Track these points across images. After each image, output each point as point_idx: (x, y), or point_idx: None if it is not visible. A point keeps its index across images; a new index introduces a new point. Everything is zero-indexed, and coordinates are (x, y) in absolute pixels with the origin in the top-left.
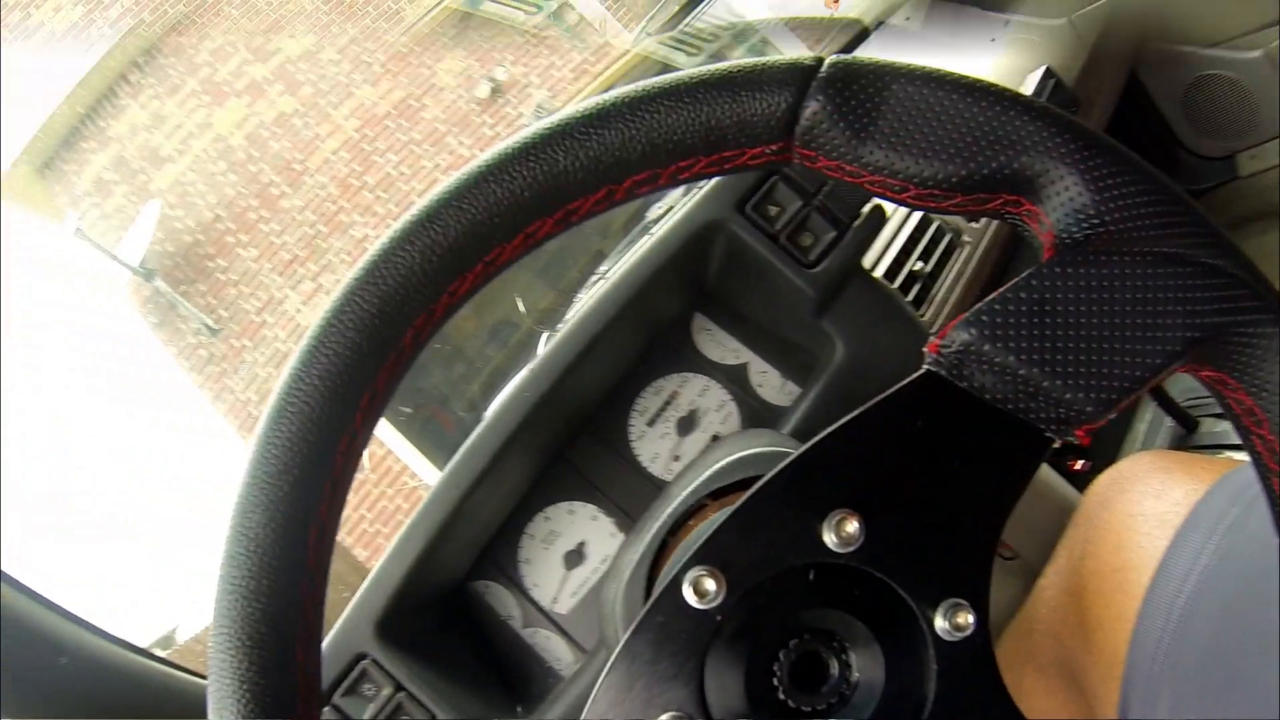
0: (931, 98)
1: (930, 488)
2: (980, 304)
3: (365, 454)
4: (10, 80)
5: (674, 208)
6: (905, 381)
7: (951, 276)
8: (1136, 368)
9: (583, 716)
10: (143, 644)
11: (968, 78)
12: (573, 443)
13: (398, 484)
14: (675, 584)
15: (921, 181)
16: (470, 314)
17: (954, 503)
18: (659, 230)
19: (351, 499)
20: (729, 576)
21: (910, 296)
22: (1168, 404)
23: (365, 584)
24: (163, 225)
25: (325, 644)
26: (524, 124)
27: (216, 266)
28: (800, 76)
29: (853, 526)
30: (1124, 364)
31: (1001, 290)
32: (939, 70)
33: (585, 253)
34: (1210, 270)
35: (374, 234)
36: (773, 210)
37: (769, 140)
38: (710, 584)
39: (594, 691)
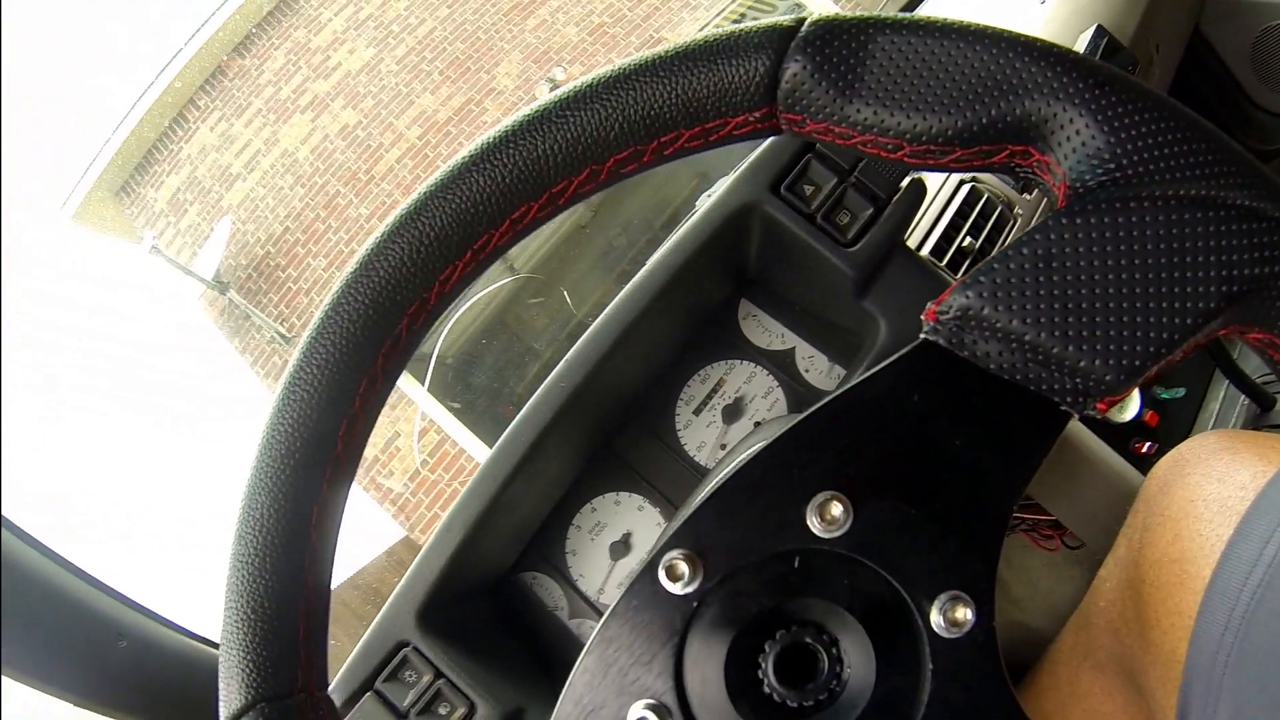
0: (920, 46)
1: (927, 469)
2: (981, 263)
3: (418, 447)
4: (79, 109)
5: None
6: (900, 353)
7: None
8: (1164, 329)
9: (559, 702)
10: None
11: (957, 22)
12: (620, 433)
13: (463, 477)
14: (651, 567)
15: (915, 137)
16: (539, 309)
17: (954, 485)
18: (693, 217)
19: (421, 494)
20: (706, 561)
21: (960, 272)
22: (1239, 379)
23: (407, 574)
24: (235, 239)
25: (369, 632)
26: None
27: (287, 276)
28: (778, 39)
29: (837, 510)
30: (1149, 325)
31: (1005, 245)
32: (926, 17)
33: (640, 244)
34: (1248, 213)
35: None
36: (808, 189)
37: (751, 107)
38: (684, 568)
39: (570, 676)
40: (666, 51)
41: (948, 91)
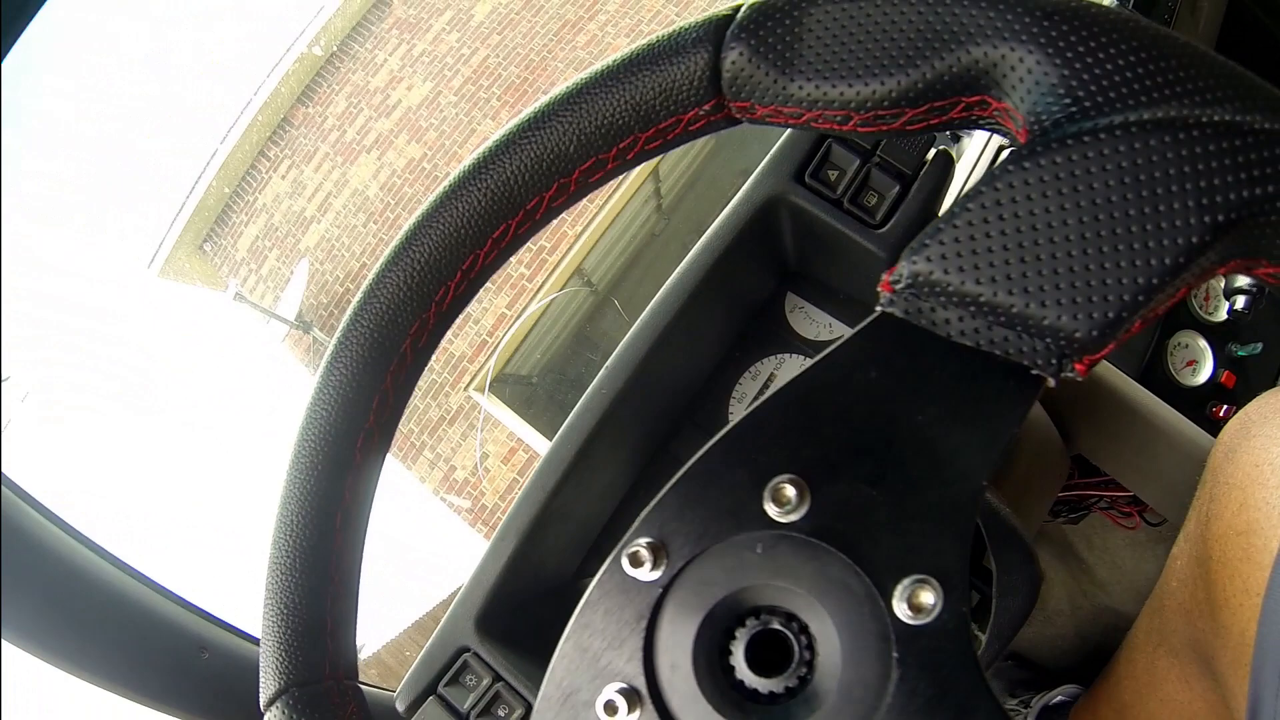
0: (854, 11)
1: (889, 448)
2: (931, 222)
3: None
4: (156, 172)
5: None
6: (857, 328)
7: None
8: (1141, 273)
9: (542, 685)
10: None
11: None
12: (675, 435)
13: None
14: (618, 554)
15: (859, 105)
16: (617, 320)
17: (918, 464)
18: (720, 215)
19: (498, 501)
20: (669, 549)
21: None
22: None
23: (466, 583)
24: (314, 280)
25: (431, 639)
26: None
27: None
28: (715, 30)
29: (791, 493)
30: (1123, 270)
31: (956, 199)
32: None
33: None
34: (1228, 129)
35: (513, 260)
36: (832, 174)
37: (699, 101)
38: (646, 555)
39: (551, 659)
40: (614, 61)
41: (886, 53)
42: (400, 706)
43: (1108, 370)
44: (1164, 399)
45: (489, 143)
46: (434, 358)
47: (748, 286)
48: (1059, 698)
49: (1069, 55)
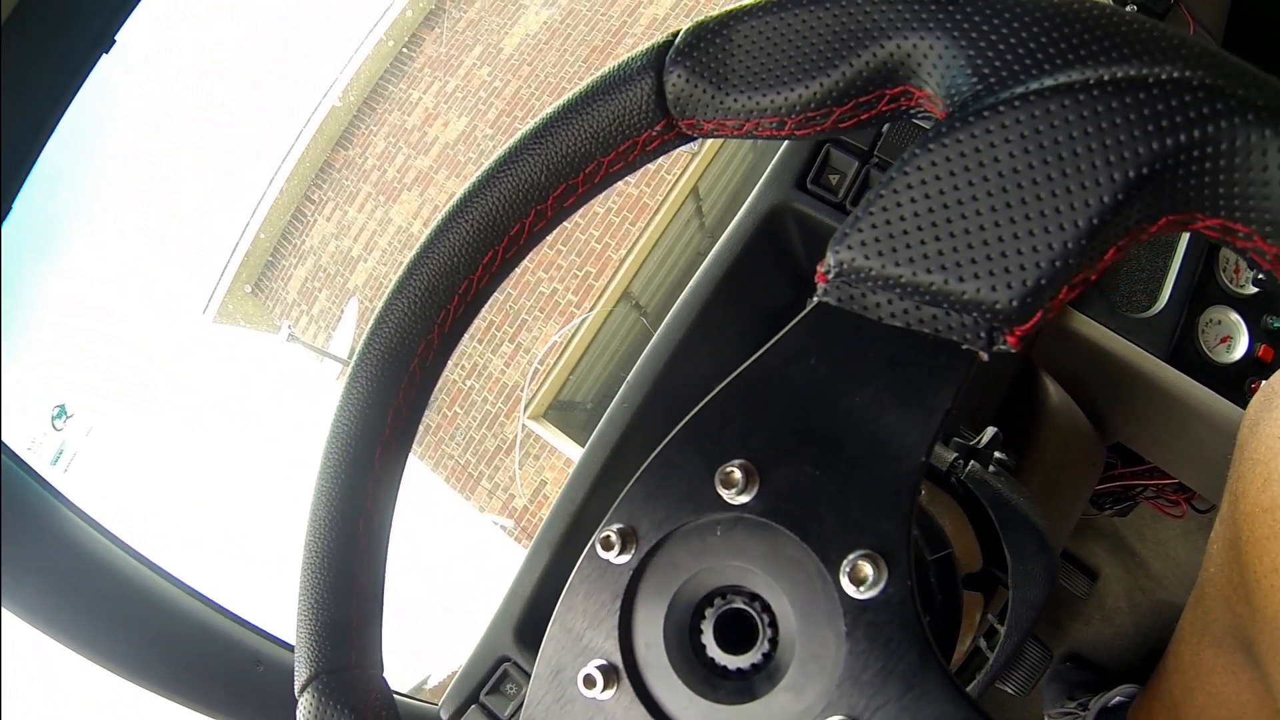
0: (775, 23)
1: (832, 430)
2: (852, 211)
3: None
4: (204, 224)
5: None
6: (796, 319)
7: None
8: (1057, 239)
9: (535, 665)
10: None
11: None
12: None
13: None
14: (593, 541)
15: (789, 110)
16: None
17: (858, 444)
18: (728, 229)
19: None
20: (637, 531)
21: None
22: None
23: (505, 595)
24: (364, 317)
25: (473, 651)
26: (681, 152)
27: None
28: (656, 56)
29: (738, 476)
30: (1040, 237)
31: (874, 188)
32: None
33: None
34: (1131, 84)
35: (560, 287)
36: (833, 178)
37: (650, 123)
38: (616, 540)
39: (543, 641)
40: (571, 96)
41: (807, 58)
42: (444, 716)
43: (1134, 353)
44: (1199, 378)
45: (472, 180)
46: (487, 388)
47: (765, 295)
48: (1117, 698)
49: (972, 35)
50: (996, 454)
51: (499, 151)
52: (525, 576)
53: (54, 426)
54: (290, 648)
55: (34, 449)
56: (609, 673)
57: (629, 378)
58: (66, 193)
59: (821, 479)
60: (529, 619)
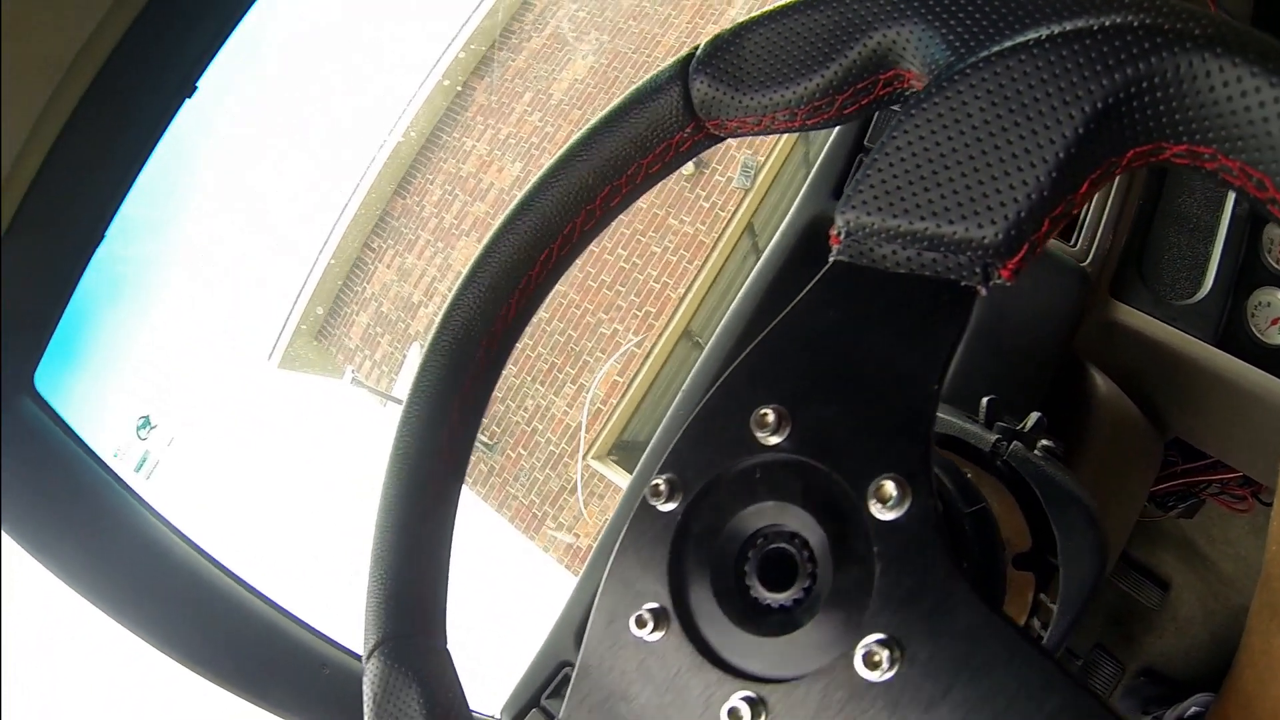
0: (779, 28)
1: (852, 371)
2: (854, 176)
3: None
4: (268, 276)
5: None
6: (815, 280)
7: (1098, 196)
8: (1029, 175)
9: (590, 617)
10: None
11: None
12: None
13: None
14: (644, 493)
15: (799, 101)
16: None
17: (877, 381)
18: (770, 244)
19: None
20: (683, 480)
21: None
22: None
23: (566, 601)
24: None
25: (535, 656)
26: (734, 188)
27: None
28: (680, 67)
29: (770, 419)
30: (1013, 175)
31: (870, 153)
32: (782, 3)
33: None
34: (1082, 33)
35: (620, 328)
36: None
37: (680, 126)
38: (664, 487)
39: (599, 588)
40: (610, 108)
41: (809, 55)
42: (505, 718)
43: (1182, 340)
44: (1251, 361)
45: (528, 187)
46: (550, 429)
47: None
48: (1192, 709)
49: (943, 15)
50: (1043, 441)
51: (550, 161)
52: (586, 583)
53: (138, 436)
54: (356, 656)
55: (121, 456)
56: (659, 615)
57: (678, 397)
58: (141, 244)
59: (845, 414)
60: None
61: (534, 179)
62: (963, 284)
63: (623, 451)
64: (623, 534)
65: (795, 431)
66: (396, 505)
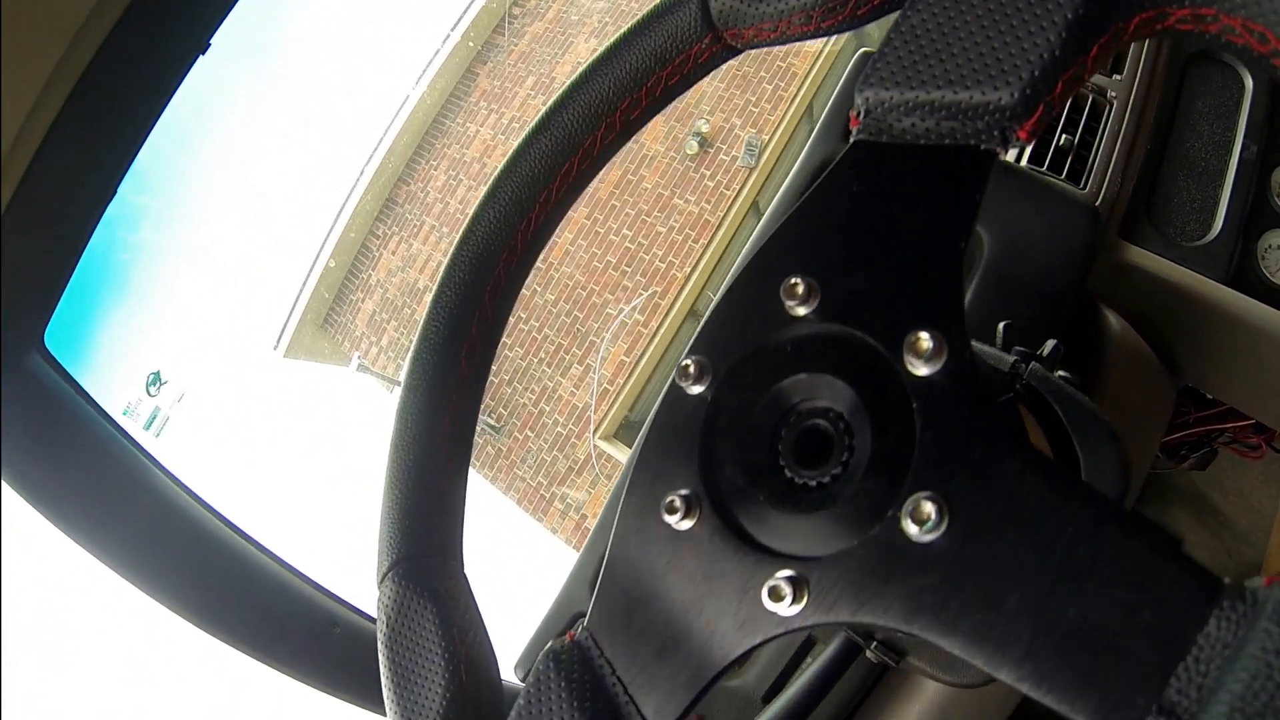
0: None
1: (878, 238)
2: (872, 57)
3: None
4: (271, 263)
5: None
6: (837, 160)
7: (1106, 140)
8: (1039, 38)
9: (618, 509)
10: None
11: None
12: None
13: None
14: (672, 377)
15: (815, 3)
16: None
17: (904, 244)
18: (779, 190)
19: None
20: (712, 361)
21: (1064, 173)
22: None
23: (580, 553)
24: None
25: (550, 607)
26: (739, 167)
27: None
28: None
29: (800, 288)
30: (1024, 39)
31: (886, 34)
32: None
33: None
34: None
35: (626, 308)
36: None
37: (698, 38)
38: (693, 369)
39: (625, 478)
40: (630, 26)
41: None
42: (519, 674)
43: (1193, 279)
44: (1263, 301)
45: (549, 103)
46: (558, 410)
47: None
48: None
49: None
50: (1059, 372)
51: (571, 77)
52: (600, 533)
53: (148, 392)
54: (367, 616)
55: (131, 414)
56: (690, 501)
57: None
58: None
59: (874, 278)
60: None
61: (555, 95)
62: (982, 148)
63: (629, 431)
64: (651, 420)
65: (825, 301)
66: (412, 422)
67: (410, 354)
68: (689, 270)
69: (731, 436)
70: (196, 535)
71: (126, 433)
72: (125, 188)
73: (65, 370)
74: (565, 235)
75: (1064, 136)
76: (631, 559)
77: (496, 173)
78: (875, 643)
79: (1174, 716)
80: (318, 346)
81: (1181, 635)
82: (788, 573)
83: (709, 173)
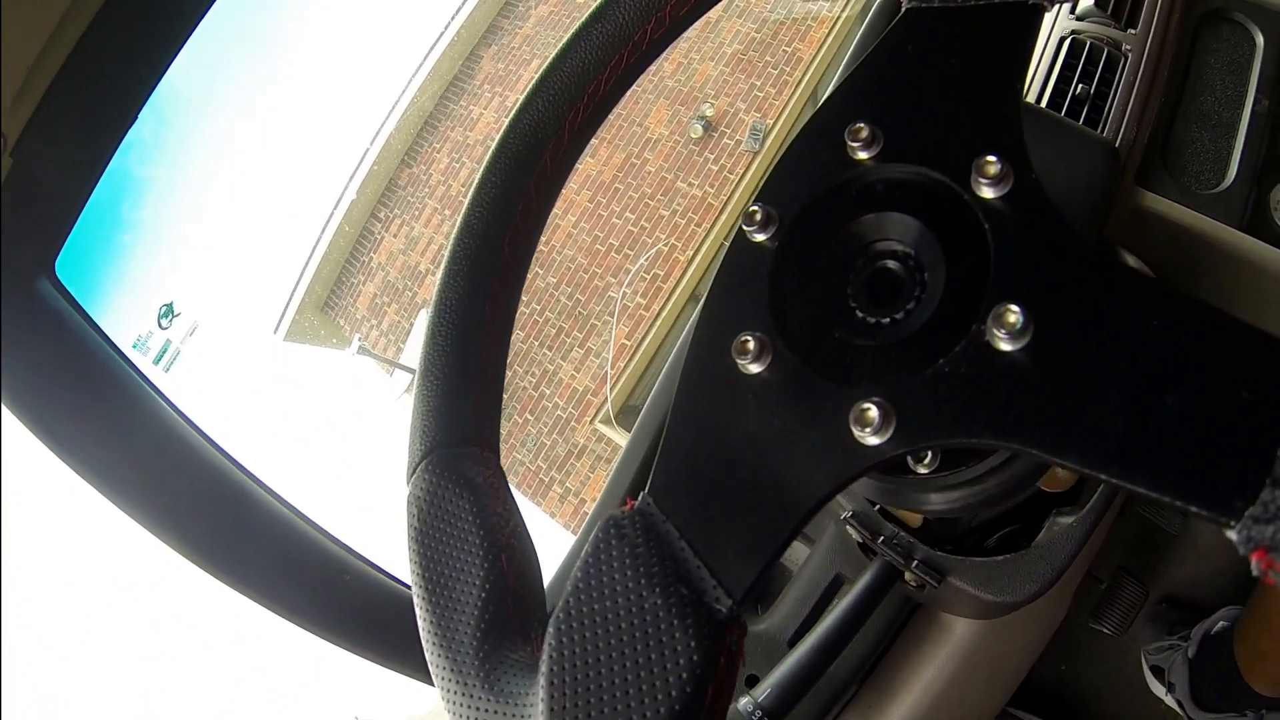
0: None
1: (937, 85)
2: None
3: None
4: (273, 244)
5: None
6: (890, 26)
7: (1121, 90)
8: None
9: (686, 355)
10: None
11: None
12: None
13: None
14: (739, 223)
15: None
16: None
17: (962, 88)
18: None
19: None
20: (779, 208)
21: (1081, 120)
22: None
23: (615, 465)
24: None
25: (581, 528)
26: (743, 151)
27: None
28: None
29: (865, 132)
30: None
31: None
32: None
33: None
34: None
35: (629, 290)
36: None
37: None
38: (760, 215)
39: (688, 335)
40: None
41: None
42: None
43: (1209, 225)
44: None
45: (567, 36)
46: (558, 393)
47: None
48: (1220, 623)
49: None
50: None
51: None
52: (650, 416)
53: (160, 325)
54: (379, 568)
55: (142, 347)
56: (763, 344)
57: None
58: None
59: (936, 118)
60: (641, 483)
61: (571, 31)
62: (1030, 2)
63: (629, 416)
64: (719, 270)
65: (889, 143)
66: (451, 309)
67: (452, 239)
68: (690, 254)
69: (801, 281)
70: (205, 474)
71: (136, 367)
72: (130, 160)
73: (75, 299)
74: (567, 218)
75: (1080, 86)
76: (700, 409)
77: (546, 64)
78: (916, 562)
79: None
80: (318, 330)
81: None
82: (874, 399)
83: (713, 156)
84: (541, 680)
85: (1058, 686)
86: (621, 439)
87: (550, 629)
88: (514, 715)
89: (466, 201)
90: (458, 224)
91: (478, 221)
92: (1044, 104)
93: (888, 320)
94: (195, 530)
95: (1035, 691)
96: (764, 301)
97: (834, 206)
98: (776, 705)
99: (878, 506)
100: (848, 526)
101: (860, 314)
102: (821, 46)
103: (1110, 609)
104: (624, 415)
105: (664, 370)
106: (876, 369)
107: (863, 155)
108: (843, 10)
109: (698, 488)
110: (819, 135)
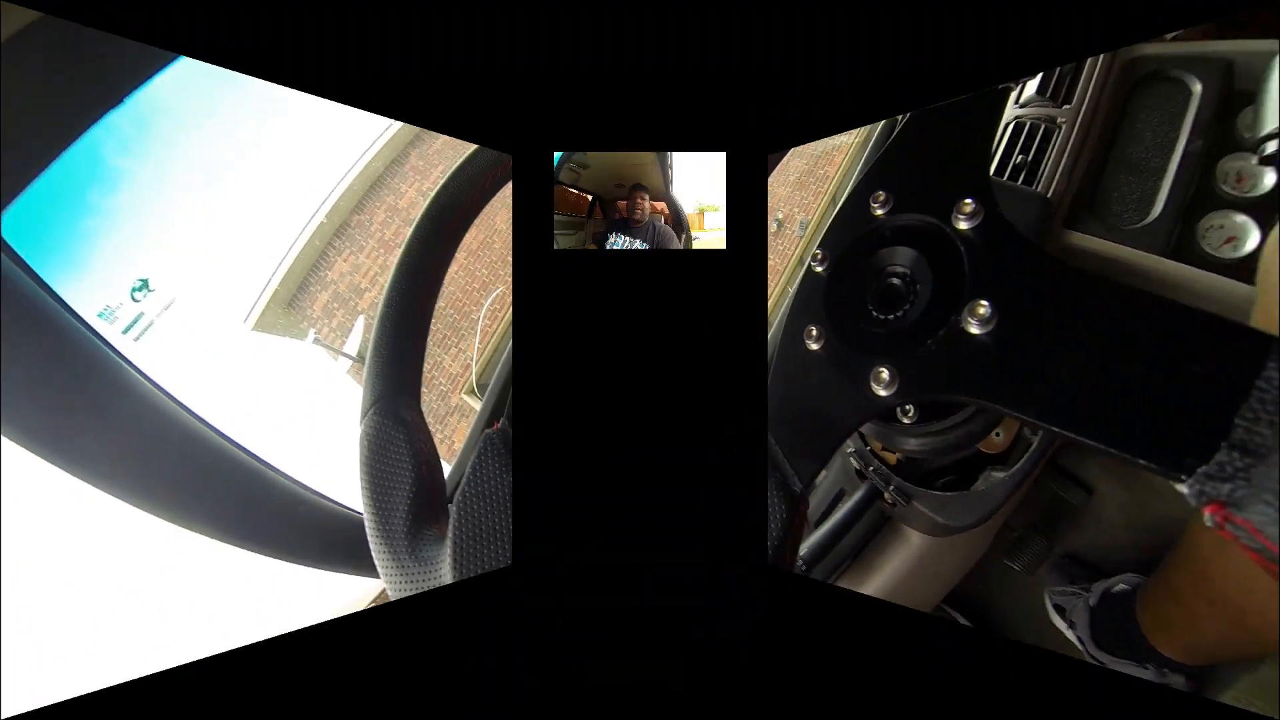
0: None
1: (928, 157)
2: None
3: None
4: (250, 252)
5: None
6: (897, 130)
7: (1054, 155)
8: None
9: (778, 343)
10: None
11: None
12: None
13: None
14: (806, 261)
15: None
16: None
17: (945, 157)
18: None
19: None
20: (829, 251)
21: (1020, 183)
22: None
23: (477, 414)
24: (368, 328)
25: (465, 442)
26: (795, 236)
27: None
28: None
29: (881, 195)
30: None
31: None
32: None
33: None
34: None
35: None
36: None
37: None
38: (819, 255)
39: (775, 332)
40: None
41: None
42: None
43: (1132, 254)
44: (1203, 269)
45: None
46: (441, 374)
47: None
48: (1120, 585)
49: None
50: None
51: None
52: (488, 402)
53: (133, 298)
54: (327, 498)
55: (109, 317)
56: (821, 333)
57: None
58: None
59: (928, 180)
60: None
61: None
62: (999, 88)
63: (484, 388)
64: (793, 291)
65: (898, 201)
66: (393, 307)
67: (394, 269)
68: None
69: (841, 294)
70: (159, 424)
71: (83, 319)
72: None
73: (19, 255)
74: (461, 256)
75: (1019, 157)
76: (786, 370)
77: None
78: (893, 486)
79: (1248, 452)
80: (281, 324)
81: (1239, 382)
82: (886, 366)
83: (780, 244)
84: (449, 542)
85: (976, 603)
86: (476, 404)
87: (452, 509)
88: (432, 571)
89: (403, 245)
90: (398, 258)
91: (414, 259)
92: (992, 174)
93: (893, 317)
94: (154, 479)
95: (960, 601)
96: (821, 307)
97: (861, 248)
98: (811, 557)
99: (869, 447)
100: (850, 458)
101: (876, 313)
102: (838, 170)
103: (1021, 553)
104: (479, 387)
105: (502, 359)
106: (887, 347)
107: (880, 212)
108: (854, 139)
109: (785, 417)
110: (852, 202)
